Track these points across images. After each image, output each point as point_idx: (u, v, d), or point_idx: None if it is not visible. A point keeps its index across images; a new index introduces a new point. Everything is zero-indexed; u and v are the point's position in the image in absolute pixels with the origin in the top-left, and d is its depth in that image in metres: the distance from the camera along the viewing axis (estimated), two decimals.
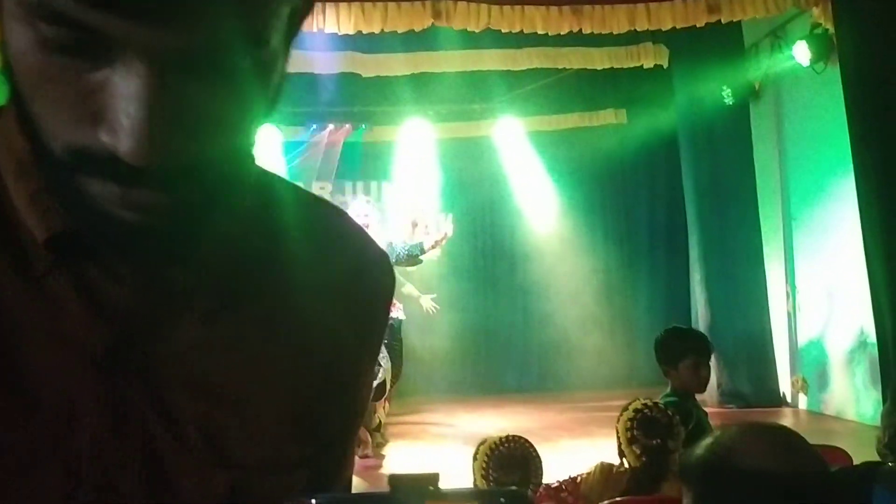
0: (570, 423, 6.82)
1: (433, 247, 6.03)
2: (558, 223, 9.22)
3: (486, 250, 9.46)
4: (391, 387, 5.82)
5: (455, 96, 8.77)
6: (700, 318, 7.50)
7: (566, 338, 8.90)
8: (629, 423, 2.49)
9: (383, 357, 5.63)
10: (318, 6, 5.22)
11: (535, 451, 2.29)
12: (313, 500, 0.60)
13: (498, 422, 6.84)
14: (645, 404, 2.54)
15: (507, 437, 2.28)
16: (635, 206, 9.59)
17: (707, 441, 1.18)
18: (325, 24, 5.23)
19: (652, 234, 9.48)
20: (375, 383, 5.48)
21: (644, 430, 2.46)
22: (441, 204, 9.15)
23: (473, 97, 8.93)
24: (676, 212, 8.91)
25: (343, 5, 5.18)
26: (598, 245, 9.30)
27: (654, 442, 2.44)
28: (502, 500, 0.75)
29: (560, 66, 7.67)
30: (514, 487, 0.63)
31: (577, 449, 5.44)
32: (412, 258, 6.07)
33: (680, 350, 3.25)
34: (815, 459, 1.14)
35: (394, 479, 0.75)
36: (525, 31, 5.57)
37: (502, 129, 9.20)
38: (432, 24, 5.27)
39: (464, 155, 9.33)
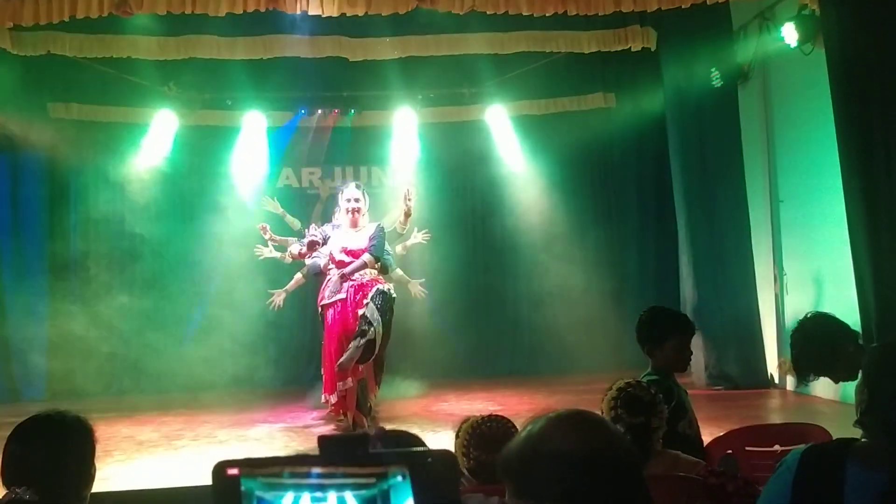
0: (560, 405, 6.78)
1: (405, 217, 6.12)
2: (547, 206, 9.22)
3: (476, 234, 9.47)
4: (377, 353, 5.80)
5: (443, 81, 8.76)
6: (688, 299, 7.53)
7: (556, 320, 8.92)
8: (612, 402, 2.51)
9: (376, 320, 5.66)
10: None
11: (517, 431, 2.30)
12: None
13: (488, 404, 6.88)
14: (628, 383, 2.56)
15: (489, 416, 2.30)
16: (624, 188, 9.60)
17: (521, 434, 1.21)
18: (308, 6, 5.20)
19: (641, 216, 9.49)
20: (366, 340, 5.52)
21: (627, 408, 2.48)
22: (429, 187, 9.13)
23: (462, 81, 8.92)
24: (665, 194, 8.91)
25: None
26: (587, 227, 9.30)
27: (638, 420, 2.45)
28: (429, 459, 0.77)
29: (548, 50, 7.66)
30: (443, 448, 0.64)
31: None
32: (398, 236, 6.21)
33: (666, 330, 3.22)
34: (614, 437, 1.17)
35: (323, 440, 0.76)
36: (510, 13, 5.54)
37: (491, 113, 9.18)
38: (416, 6, 5.25)
39: (453, 139, 9.32)
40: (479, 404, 7.00)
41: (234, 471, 0.75)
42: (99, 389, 8.19)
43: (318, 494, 0.75)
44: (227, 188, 8.74)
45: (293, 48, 7.18)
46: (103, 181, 8.58)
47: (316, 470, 0.75)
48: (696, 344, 7.24)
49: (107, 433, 5.77)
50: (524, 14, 5.51)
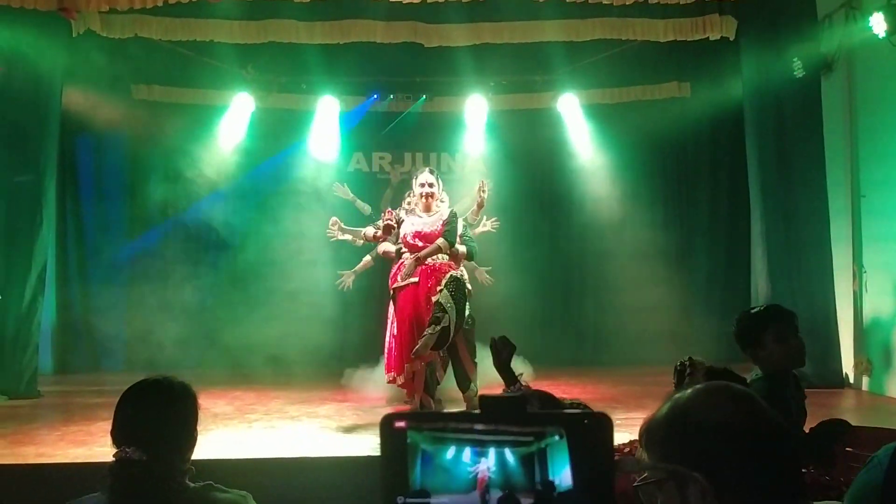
0: (625, 396, 6.82)
1: (478, 208, 6.20)
2: (617, 196, 9.14)
3: (545, 223, 9.44)
4: (451, 339, 5.81)
5: (515, 68, 8.75)
6: (760, 294, 7.38)
7: (622, 311, 8.87)
8: (673, 377, 2.58)
9: (450, 307, 5.71)
10: None
11: None
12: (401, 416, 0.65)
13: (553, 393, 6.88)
14: (689, 358, 2.60)
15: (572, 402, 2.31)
16: (696, 179, 9.46)
17: (665, 405, 1.23)
18: None
19: (713, 208, 9.34)
20: (441, 327, 5.58)
21: (678, 381, 2.55)
22: (499, 175, 9.14)
23: (534, 69, 8.88)
24: (739, 186, 8.75)
25: None
26: (657, 219, 9.20)
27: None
28: (586, 421, 0.81)
29: (623, 38, 7.55)
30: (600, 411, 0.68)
31: (631, 422, 5.45)
32: (468, 225, 6.26)
33: (759, 325, 2.97)
34: (763, 410, 1.18)
35: (483, 400, 0.81)
36: (590, 2, 5.48)
37: (563, 101, 9.13)
38: None
39: (523, 127, 9.31)
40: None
41: (401, 424, 0.80)
42: (173, 362, 8.47)
43: (479, 449, 0.80)
44: (300, 170, 8.91)
45: (370, 33, 7.26)
46: (182, 161, 8.83)
47: (477, 426, 0.80)
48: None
49: None
50: (604, 2, 5.44)
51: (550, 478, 0.78)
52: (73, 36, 6.89)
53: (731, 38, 7.27)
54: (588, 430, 0.79)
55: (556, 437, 0.80)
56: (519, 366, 7.22)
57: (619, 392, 7.07)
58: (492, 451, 0.80)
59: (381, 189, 9.36)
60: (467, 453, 0.81)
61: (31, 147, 7.25)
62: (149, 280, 8.69)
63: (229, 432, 5.39)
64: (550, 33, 7.48)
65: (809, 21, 7.12)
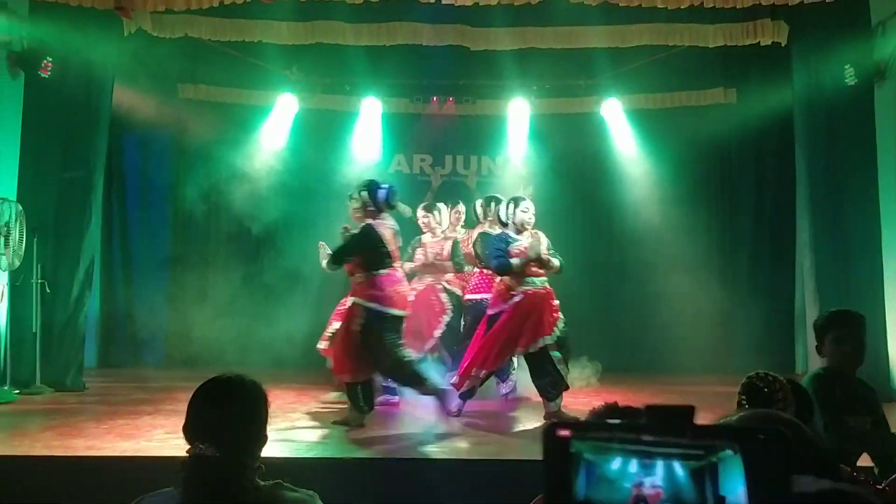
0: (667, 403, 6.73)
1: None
2: (660, 202, 9.06)
3: (587, 228, 9.38)
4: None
5: (558, 71, 8.71)
6: (808, 306, 7.26)
7: (661, 318, 8.78)
8: (740, 392, 2.55)
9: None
10: None
11: None
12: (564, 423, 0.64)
13: (592, 398, 6.83)
14: (756, 373, 2.57)
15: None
16: (741, 187, 9.33)
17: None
18: None
19: (757, 217, 9.20)
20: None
21: (747, 396, 2.50)
22: (541, 179, 9.12)
23: (577, 73, 8.85)
24: (785, 195, 8.63)
25: None
26: (699, 226, 9.10)
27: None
28: (761, 437, 0.78)
29: (671, 44, 7.49)
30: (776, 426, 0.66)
31: None
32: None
33: (824, 326, 3.30)
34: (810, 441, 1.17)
35: (649, 409, 0.79)
36: (643, 6, 5.44)
37: (606, 105, 9.07)
38: None
39: (566, 131, 9.27)
40: (582, 398, 6.96)
41: (564, 432, 0.79)
42: (212, 358, 8.55)
43: (646, 461, 0.78)
44: (343, 171, 8.93)
45: (416, 35, 7.28)
46: (226, 160, 8.91)
47: (644, 437, 0.78)
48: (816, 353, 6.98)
49: None
50: (658, 7, 5.39)
51: (722, 494, 0.76)
52: (125, 35, 6.99)
53: (783, 44, 7.16)
54: (763, 447, 0.77)
55: (730, 452, 0.78)
56: (587, 365, 7.13)
57: (660, 400, 6.99)
58: (659, 464, 0.78)
59: (421, 191, 9.38)
60: (633, 464, 0.80)
61: (81, 144, 7.37)
62: (190, 277, 8.78)
63: (273, 431, 5.39)
64: (596, 39, 7.45)
65: (863, 28, 7.00)
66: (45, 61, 7.07)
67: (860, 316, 3.38)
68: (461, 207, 7.21)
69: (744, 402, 2.51)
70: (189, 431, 2.13)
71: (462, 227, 7.23)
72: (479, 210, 6.86)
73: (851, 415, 3.14)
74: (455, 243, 6.92)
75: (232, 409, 2.11)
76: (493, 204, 6.51)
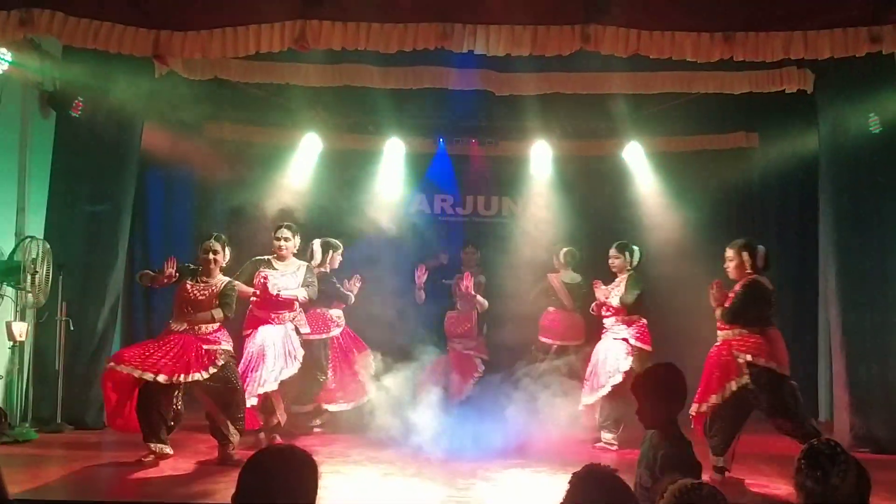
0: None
1: None
2: (681, 245, 9.01)
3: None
4: None
5: (581, 114, 8.75)
6: (834, 356, 7.20)
7: (682, 362, 8.66)
8: (801, 453, 2.53)
9: None
10: (468, 27, 5.32)
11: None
12: None
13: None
14: (817, 440, 2.57)
15: (698, 483, 2.24)
16: (763, 233, 9.26)
17: None
18: (475, 45, 5.32)
19: (780, 264, 9.12)
20: None
21: (809, 461, 2.47)
22: (562, 220, 9.12)
23: (600, 116, 8.87)
24: (808, 241, 8.59)
25: (493, 28, 5.26)
26: (720, 271, 9.01)
27: (816, 474, 2.43)
28: None
29: (694, 91, 7.52)
30: None
31: None
32: None
33: None
34: None
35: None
36: (674, 59, 5.49)
37: (627, 148, 9.10)
38: (580, 48, 5.27)
39: (588, 173, 9.30)
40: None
41: None
42: None
43: None
44: (366, 211, 8.97)
45: (442, 80, 7.34)
46: (250, 199, 8.96)
47: None
48: (842, 402, 6.89)
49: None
50: (688, 59, 5.43)
51: None
52: (156, 76, 7.08)
53: (809, 92, 7.17)
54: None
55: None
56: None
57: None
58: None
59: (442, 230, 9.43)
60: None
61: (110, 182, 7.45)
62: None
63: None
64: (619, 85, 7.49)
65: (888, 75, 7.00)
66: (76, 101, 7.18)
67: None
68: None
69: (804, 467, 2.46)
70: (239, 501, 2.12)
71: None
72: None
73: None
74: None
75: (281, 480, 2.11)
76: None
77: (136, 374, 5.56)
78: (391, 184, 9.22)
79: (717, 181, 9.04)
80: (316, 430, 7.35)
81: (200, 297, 5.91)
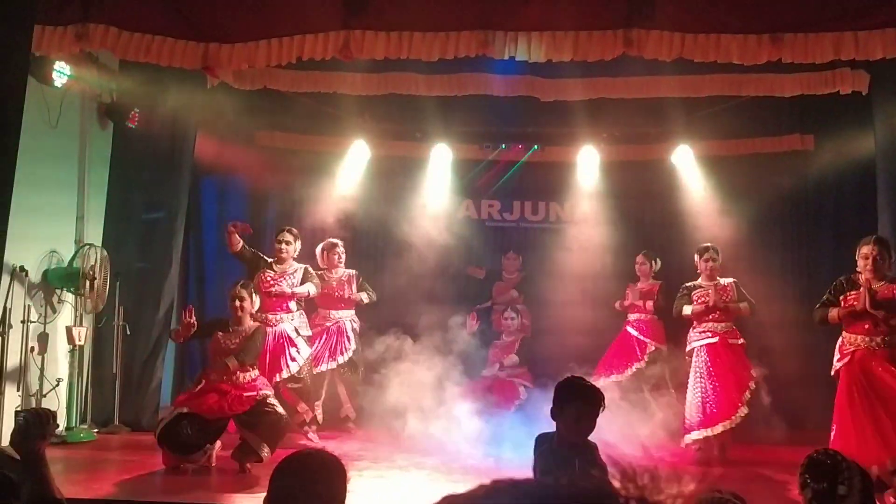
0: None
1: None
2: (734, 252, 8.83)
3: (658, 277, 9.22)
4: None
5: (629, 118, 8.65)
6: None
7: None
8: (802, 468, 2.51)
9: None
10: (509, 34, 5.33)
11: None
12: None
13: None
14: (816, 451, 2.55)
15: (722, 498, 2.21)
16: (819, 238, 9.03)
17: None
18: (516, 52, 5.32)
19: (836, 269, 8.85)
20: None
21: (811, 473, 2.44)
22: (610, 226, 9.06)
23: (648, 120, 8.77)
24: None
25: (535, 34, 5.25)
26: (775, 277, 8.81)
27: (821, 486, 2.38)
28: None
29: (745, 94, 7.39)
30: None
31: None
32: None
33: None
34: None
35: None
36: (719, 62, 5.40)
37: (677, 152, 8.97)
38: (623, 53, 5.22)
39: (636, 177, 9.18)
40: None
41: None
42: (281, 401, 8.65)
43: None
44: (413, 217, 9.03)
45: (487, 87, 7.36)
46: (299, 206, 9.11)
47: None
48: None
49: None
50: (734, 63, 5.34)
51: None
52: (208, 87, 7.27)
53: (864, 93, 6.98)
54: None
55: None
56: None
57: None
58: None
59: (488, 236, 9.44)
60: None
61: (164, 191, 7.67)
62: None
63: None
64: (668, 89, 7.40)
65: None
66: (132, 112, 7.42)
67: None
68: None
69: (808, 481, 2.44)
70: None
71: None
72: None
73: None
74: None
75: (311, 485, 2.14)
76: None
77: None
78: (438, 190, 9.27)
79: (770, 185, 8.84)
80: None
81: (232, 346, 5.98)
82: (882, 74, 6.84)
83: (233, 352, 5.93)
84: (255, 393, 5.85)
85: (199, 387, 5.93)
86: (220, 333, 6.06)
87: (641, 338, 7.99)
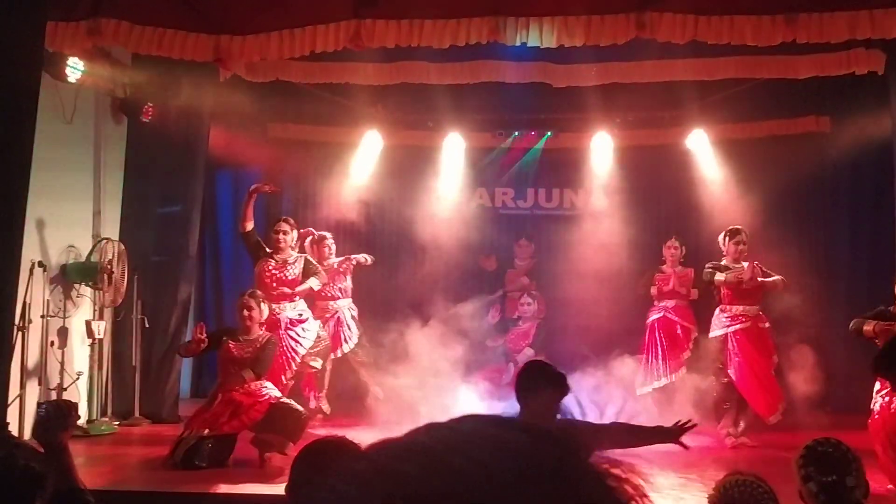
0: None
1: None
2: (751, 234, 8.76)
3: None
4: None
5: (642, 103, 8.59)
6: None
7: None
8: (801, 460, 2.37)
9: None
10: (520, 20, 5.31)
11: (770, 494, 2.21)
12: None
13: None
14: (816, 440, 2.41)
15: (744, 480, 2.21)
16: (836, 220, 8.96)
17: None
18: (528, 38, 5.30)
19: (854, 252, 8.80)
20: None
21: (817, 466, 2.32)
22: (624, 212, 9.02)
23: (662, 104, 8.71)
24: (883, 229, 8.23)
25: (546, 19, 5.22)
26: (792, 261, 8.74)
27: (829, 478, 2.29)
28: None
29: (759, 76, 7.32)
30: None
31: None
32: None
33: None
34: None
35: None
36: (733, 44, 5.35)
37: (692, 136, 8.90)
38: (636, 36, 5.19)
39: (650, 162, 9.14)
40: None
41: None
42: (297, 389, 8.70)
43: None
44: (426, 206, 9.02)
45: (499, 73, 7.33)
46: (313, 196, 9.13)
47: None
48: None
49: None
50: (748, 44, 5.29)
51: None
52: (221, 80, 7.29)
53: (880, 73, 6.89)
54: None
55: None
56: None
57: None
58: None
59: (502, 224, 9.42)
60: None
61: (179, 184, 7.71)
62: None
63: None
64: (681, 72, 7.34)
65: None
66: (146, 106, 7.45)
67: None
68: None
69: (814, 474, 2.30)
70: (291, 493, 2.18)
71: None
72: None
73: None
74: None
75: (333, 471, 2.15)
76: None
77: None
78: (451, 179, 9.25)
79: (786, 167, 8.76)
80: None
81: (246, 356, 5.94)
82: None
83: (247, 362, 5.89)
84: (267, 397, 5.87)
85: (215, 402, 5.92)
86: (232, 343, 6.00)
87: (685, 324, 7.68)
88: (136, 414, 7.27)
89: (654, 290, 7.77)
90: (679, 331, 7.65)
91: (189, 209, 7.70)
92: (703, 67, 7.17)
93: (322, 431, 6.86)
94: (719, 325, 6.90)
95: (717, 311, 7.05)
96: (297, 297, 6.90)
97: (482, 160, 9.50)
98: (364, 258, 7.69)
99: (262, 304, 6.16)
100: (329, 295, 7.55)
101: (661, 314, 7.70)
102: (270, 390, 5.97)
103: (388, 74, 7.38)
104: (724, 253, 7.01)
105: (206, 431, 5.64)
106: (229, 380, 5.90)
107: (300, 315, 6.86)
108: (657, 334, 7.61)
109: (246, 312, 6.05)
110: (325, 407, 7.33)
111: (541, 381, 3.10)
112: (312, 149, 9.28)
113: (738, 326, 6.80)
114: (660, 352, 7.53)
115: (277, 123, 9.26)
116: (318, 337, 6.87)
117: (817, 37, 5.15)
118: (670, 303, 7.75)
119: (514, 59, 7.28)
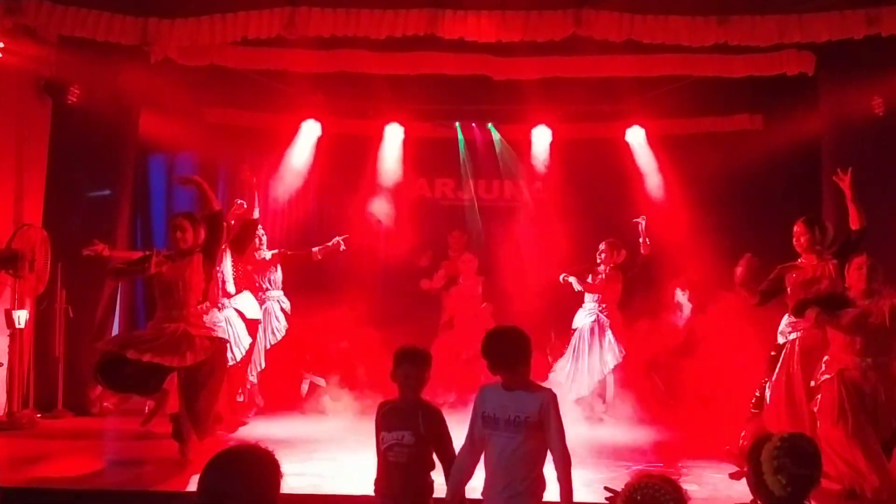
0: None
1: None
2: (685, 228, 8.92)
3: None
4: None
5: (583, 97, 8.63)
6: None
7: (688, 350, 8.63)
8: (776, 451, 2.40)
9: None
10: (458, 13, 5.25)
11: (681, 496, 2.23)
12: None
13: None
14: (792, 434, 2.47)
15: (649, 483, 2.22)
16: (767, 214, 9.16)
17: None
18: (466, 32, 5.25)
19: (785, 245, 9.01)
20: None
21: (792, 458, 2.37)
22: (564, 204, 9.07)
23: (601, 98, 8.76)
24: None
25: (484, 13, 5.19)
26: (726, 252, 8.93)
27: (803, 472, 2.36)
28: None
29: (697, 74, 7.42)
30: None
31: None
32: None
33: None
34: None
35: None
36: (667, 44, 5.39)
37: (630, 131, 9.00)
38: (573, 33, 5.19)
39: (590, 155, 9.20)
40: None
41: None
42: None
43: None
44: (365, 195, 8.94)
45: (440, 66, 7.26)
46: (248, 186, 8.93)
47: None
48: None
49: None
50: (683, 44, 5.34)
51: None
52: (151, 63, 7.05)
53: (810, 74, 7.06)
54: None
55: None
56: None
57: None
58: None
59: (443, 214, 9.39)
60: None
61: (108, 168, 7.47)
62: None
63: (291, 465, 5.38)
64: (621, 68, 7.39)
65: (890, 58, 6.88)
66: (72, 88, 7.16)
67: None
68: None
69: (788, 465, 2.34)
70: (200, 501, 2.12)
71: None
72: None
73: None
74: None
75: (244, 480, 2.10)
76: None
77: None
78: (391, 168, 9.17)
79: (721, 163, 8.93)
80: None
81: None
82: (827, 55, 6.92)
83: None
84: (209, 333, 5.50)
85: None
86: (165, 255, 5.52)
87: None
88: (60, 406, 7.04)
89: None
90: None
91: (118, 195, 7.45)
92: (642, 64, 7.23)
93: (257, 423, 6.81)
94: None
95: None
96: (235, 292, 6.74)
97: (423, 150, 9.43)
98: (337, 241, 7.59)
99: (198, 227, 5.65)
100: (259, 286, 7.41)
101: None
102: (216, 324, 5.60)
103: (327, 62, 7.25)
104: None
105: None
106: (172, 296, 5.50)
107: (238, 312, 6.73)
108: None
109: (179, 234, 5.58)
110: (258, 399, 7.21)
111: (400, 359, 3.50)
112: (250, 135, 9.08)
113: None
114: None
115: (216, 108, 9.02)
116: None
117: (748, 39, 5.24)
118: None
119: (455, 51, 7.21)
